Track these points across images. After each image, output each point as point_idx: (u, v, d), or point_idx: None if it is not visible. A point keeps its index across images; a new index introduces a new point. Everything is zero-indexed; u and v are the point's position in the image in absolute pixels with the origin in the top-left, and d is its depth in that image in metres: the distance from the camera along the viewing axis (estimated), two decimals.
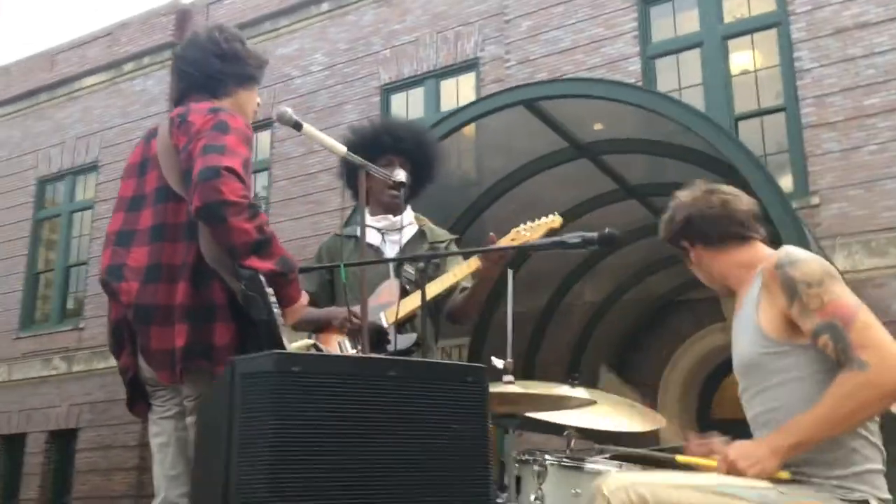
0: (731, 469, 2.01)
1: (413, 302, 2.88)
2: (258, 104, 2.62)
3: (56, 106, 14.15)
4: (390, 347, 2.79)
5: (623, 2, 9.82)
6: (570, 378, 2.73)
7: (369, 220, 3.14)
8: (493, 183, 7.11)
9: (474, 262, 2.88)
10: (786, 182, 8.18)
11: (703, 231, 2.29)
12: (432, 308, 3.06)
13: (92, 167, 13.51)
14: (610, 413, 2.74)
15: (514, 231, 2.86)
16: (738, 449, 2.05)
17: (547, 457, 2.13)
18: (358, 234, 3.12)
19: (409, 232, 3.19)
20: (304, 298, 2.35)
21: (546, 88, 6.31)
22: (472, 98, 9.62)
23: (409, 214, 3.25)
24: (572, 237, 2.28)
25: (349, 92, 11.52)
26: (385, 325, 2.90)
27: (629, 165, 7.68)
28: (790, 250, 2.16)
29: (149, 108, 12.82)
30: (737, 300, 2.29)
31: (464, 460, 1.66)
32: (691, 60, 9.50)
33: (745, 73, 9.28)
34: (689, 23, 9.64)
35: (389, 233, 3.13)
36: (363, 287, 2.52)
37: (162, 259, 2.23)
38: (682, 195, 2.36)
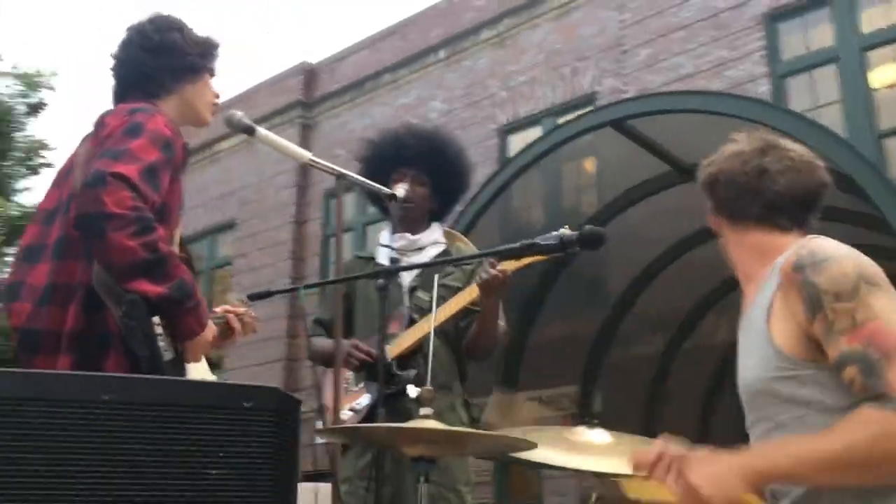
0: (694, 497, 1.49)
1: (417, 333, 2.56)
2: (215, 94, 2.35)
3: (198, 169, 14.90)
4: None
5: (749, 20, 9.22)
6: (586, 419, 2.35)
7: (387, 239, 2.86)
8: (592, 215, 6.65)
9: (473, 291, 2.54)
10: None
11: (722, 197, 1.82)
12: (453, 342, 2.73)
13: (230, 225, 14.05)
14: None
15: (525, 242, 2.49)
16: (701, 471, 1.51)
17: None
18: (375, 255, 2.86)
19: (432, 252, 2.86)
20: (209, 331, 2.04)
21: (634, 106, 5.84)
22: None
23: (434, 232, 2.92)
24: (547, 238, 1.90)
25: (467, 136, 11.37)
26: (388, 359, 2.58)
27: None
28: (815, 245, 1.63)
29: (282, 165, 13.21)
30: (744, 296, 1.80)
31: None
32: (827, 77, 8.74)
33: (890, 86, 8.41)
34: (823, 37, 8.91)
35: (408, 253, 2.81)
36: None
37: (59, 278, 1.98)
38: (730, 145, 1.86)
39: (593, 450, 2.26)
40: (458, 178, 3.01)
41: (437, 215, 3.00)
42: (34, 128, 15.55)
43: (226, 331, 2.45)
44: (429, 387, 1.71)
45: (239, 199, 13.89)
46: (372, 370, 2.52)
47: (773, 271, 1.67)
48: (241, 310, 2.57)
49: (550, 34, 10.99)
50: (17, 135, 15.49)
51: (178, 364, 1.97)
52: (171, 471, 1.24)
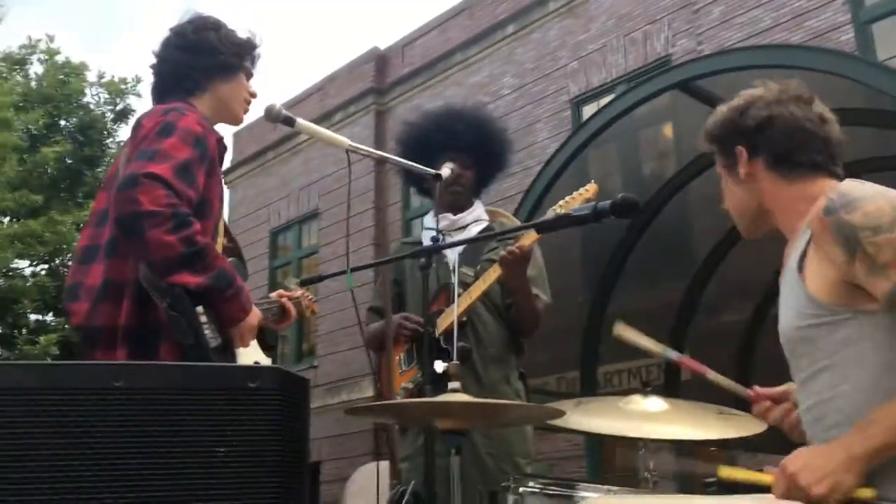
0: (791, 486, 1.45)
1: (459, 307, 2.56)
2: (251, 93, 2.40)
3: (281, 162, 15.25)
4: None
5: None
6: (644, 386, 2.31)
7: (430, 221, 2.87)
8: (667, 180, 6.48)
9: (495, 272, 2.56)
10: None
11: (780, 145, 1.69)
12: (505, 316, 2.73)
13: (314, 215, 14.33)
14: (692, 422, 2.25)
15: (550, 210, 2.46)
16: (800, 458, 1.48)
17: (525, 486, 1.67)
18: (422, 239, 2.87)
19: (475, 230, 2.86)
20: (254, 316, 2.08)
21: (702, 65, 5.62)
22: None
23: (477, 211, 2.93)
24: (581, 209, 1.86)
25: (539, 110, 11.28)
26: (436, 334, 2.59)
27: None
28: (845, 187, 1.55)
29: (372, 150, 13.38)
30: (786, 249, 1.71)
31: (242, 489, 1.26)
32: None
33: None
34: None
35: (450, 233, 2.82)
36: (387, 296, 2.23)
37: (112, 276, 2.05)
38: (768, 89, 1.75)
39: (649, 418, 2.22)
40: (501, 159, 3.01)
41: (477, 193, 3.01)
42: (123, 133, 16.19)
43: (280, 314, 2.51)
44: (455, 361, 1.70)
45: (321, 189, 14.14)
46: (421, 348, 2.54)
47: (808, 221, 1.60)
48: (297, 293, 2.64)
49: None
50: (108, 141, 16.18)
51: (227, 350, 2.04)
52: (182, 450, 1.28)
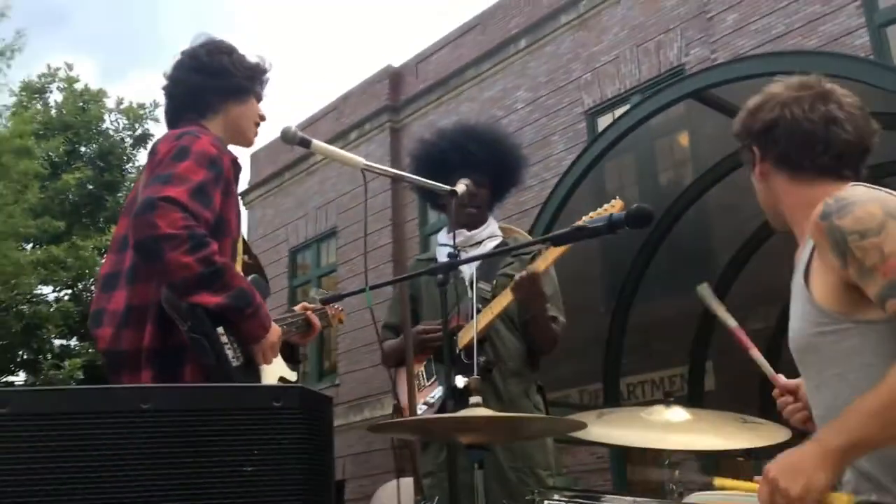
0: (773, 491, 1.43)
1: (479, 323, 2.58)
2: (261, 116, 2.44)
3: (297, 182, 15.34)
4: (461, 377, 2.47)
5: None
6: (666, 397, 2.31)
7: (446, 237, 2.89)
8: (685, 189, 6.46)
9: (509, 294, 2.60)
10: None
11: (783, 146, 1.70)
12: (523, 331, 2.75)
13: (331, 233, 14.40)
14: (715, 432, 2.25)
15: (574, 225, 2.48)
16: (779, 461, 1.47)
17: (549, 499, 1.67)
18: (437, 256, 2.89)
19: (490, 245, 2.88)
20: (274, 333, 2.10)
21: (716, 74, 5.62)
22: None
23: (491, 227, 2.94)
24: (596, 221, 1.87)
25: (554, 123, 11.30)
26: (457, 350, 2.60)
27: None
28: (844, 192, 1.55)
29: (388, 168, 13.43)
30: (797, 253, 1.71)
31: None
32: None
33: None
34: None
35: (466, 248, 2.84)
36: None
37: (134, 301, 2.09)
38: (785, 86, 1.74)
39: (672, 428, 2.21)
40: (516, 176, 3.05)
41: (490, 208, 3.03)
42: (143, 158, 16.37)
43: (306, 327, 2.54)
44: (476, 376, 1.71)
45: (338, 207, 14.21)
46: (441, 363, 2.55)
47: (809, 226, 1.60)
48: (323, 305, 2.68)
49: (632, 9, 10.75)
50: (128, 166, 16.36)
51: (250, 368, 2.06)
52: (209, 470, 1.30)
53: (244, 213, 16.87)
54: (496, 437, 1.91)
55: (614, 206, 2.45)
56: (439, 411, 2.52)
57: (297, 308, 2.65)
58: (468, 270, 2.82)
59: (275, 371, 2.27)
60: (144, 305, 2.06)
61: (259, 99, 2.43)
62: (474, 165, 2.87)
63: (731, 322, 1.88)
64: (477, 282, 2.74)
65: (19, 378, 14.57)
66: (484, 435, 1.65)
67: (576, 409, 7.49)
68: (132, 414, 1.32)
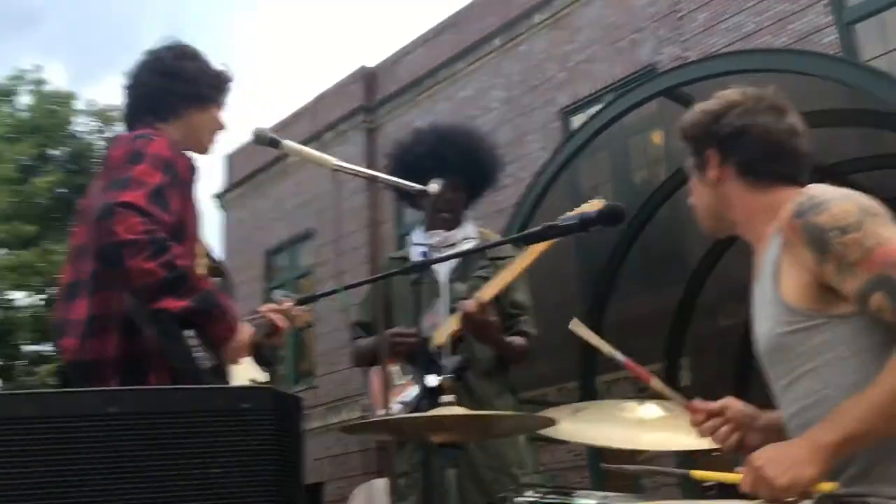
0: (757, 479, 1.45)
1: (455, 323, 2.58)
2: (221, 126, 2.40)
3: (274, 183, 15.27)
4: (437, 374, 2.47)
5: None
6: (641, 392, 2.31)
7: (422, 237, 2.89)
8: (658, 187, 6.50)
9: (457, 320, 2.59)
10: None
11: (750, 154, 1.71)
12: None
13: (308, 235, 14.35)
14: (688, 428, 2.24)
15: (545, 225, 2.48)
16: (767, 451, 1.48)
17: (523, 496, 1.67)
18: (410, 254, 2.89)
19: (465, 246, 2.88)
20: (244, 334, 2.09)
21: (686, 72, 5.66)
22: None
23: (468, 228, 2.95)
24: (567, 219, 1.88)
25: (529, 122, 11.34)
26: (432, 348, 2.60)
27: (825, 146, 6.73)
28: (814, 191, 1.58)
29: (359, 168, 13.41)
30: (755, 260, 1.73)
31: None
32: None
33: None
34: None
35: (442, 249, 2.84)
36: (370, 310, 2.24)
37: (97, 310, 2.05)
38: (744, 95, 1.76)
39: (645, 425, 2.22)
40: (490, 178, 3.05)
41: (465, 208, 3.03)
42: None
43: (269, 327, 2.52)
44: (449, 375, 1.71)
45: (315, 209, 14.16)
46: (416, 362, 2.55)
47: (777, 229, 1.62)
48: (286, 305, 2.65)
49: (604, 9, 10.81)
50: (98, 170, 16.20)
51: (219, 370, 2.04)
52: (177, 472, 1.29)
53: (219, 215, 16.81)
54: (468, 436, 1.91)
55: (593, 206, 2.46)
56: (414, 411, 2.52)
57: (261, 309, 2.64)
58: (442, 271, 2.82)
59: (246, 373, 2.25)
60: (107, 314, 2.03)
61: (220, 108, 2.40)
62: (450, 170, 2.86)
63: (620, 357, 1.87)
64: (453, 282, 2.74)
65: None
66: (456, 434, 1.65)
67: (553, 407, 7.51)
68: (99, 417, 1.30)
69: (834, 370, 1.52)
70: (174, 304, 1.91)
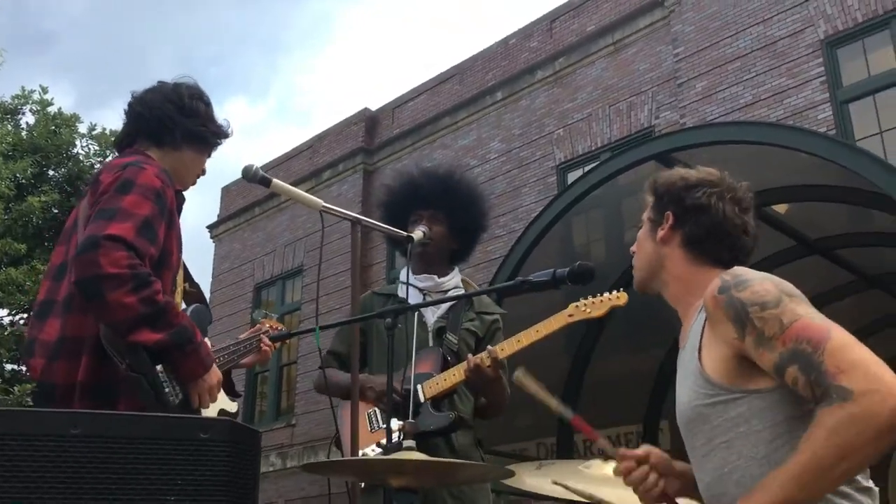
0: None
1: (454, 376, 2.60)
2: (203, 171, 2.47)
3: (267, 218, 15.32)
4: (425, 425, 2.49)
5: (807, 48, 9.06)
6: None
7: (413, 279, 2.91)
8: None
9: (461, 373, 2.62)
10: None
11: (701, 231, 1.79)
12: (473, 384, 2.76)
13: (298, 271, 14.35)
14: None
15: (572, 306, 2.53)
16: None
17: None
18: (398, 292, 2.91)
19: (454, 295, 2.91)
20: (213, 374, 2.08)
21: (678, 139, 5.76)
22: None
23: (455, 277, 2.98)
24: (540, 275, 1.92)
25: (526, 175, 11.45)
26: (422, 399, 2.62)
27: (813, 220, 6.82)
28: (738, 271, 1.66)
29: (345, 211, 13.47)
30: (681, 332, 1.79)
31: None
32: (891, 100, 8.51)
33: None
34: (885, 60, 8.69)
35: (433, 294, 2.87)
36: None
37: (68, 332, 2.04)
38: (720, 178, 1.83)
39: (608, 482, 2.23)
40: (473, 216, 3.03)
41: (458, 256, 3.03)
42: None
43: (248, 350, 2.58)
44: (411, 420, 1.73)
45: (306, 246, 14.19)
46: (400, 411, 2.54)
47: (703, 302, 1.68)
48: (266, 325, 2.72)
49: (605, 70, 11.01)
50: None
51: (189, 406, 2.04)
52: (134, 497, 1.31)
53: (211, 245, 16.80)
54: (427, 481, 1.91)
55: (619, 299, 2.49)
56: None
57: (242, 336, 2.69)
58: (431, 318, 2.84)
59: (217, 403, 2.26)
60: (80, 337, 2.02)
61: (209, 156, 2.47)
62: (425, 201, 2.90)
63: (568, 413, 1.90)
64: (446, 333, 2.77)
65: None
66: (415, 478, 1.66)
67: (529, 461, 7.47)
68: (61, 438, 1.31)
69: (746, 442, 1.57)
70: (149, 336, 1.92)
